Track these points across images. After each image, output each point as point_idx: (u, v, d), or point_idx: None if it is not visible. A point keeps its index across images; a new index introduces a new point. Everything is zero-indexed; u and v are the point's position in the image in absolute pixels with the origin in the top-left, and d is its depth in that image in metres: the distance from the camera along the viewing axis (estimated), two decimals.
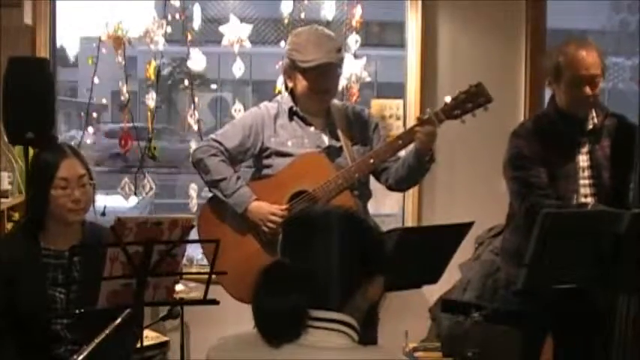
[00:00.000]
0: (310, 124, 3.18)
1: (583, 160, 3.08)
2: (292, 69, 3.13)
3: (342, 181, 3.05)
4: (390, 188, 3.27)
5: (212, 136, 3.23)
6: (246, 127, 3.18)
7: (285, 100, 3.22)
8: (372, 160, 3.07)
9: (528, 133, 3.12)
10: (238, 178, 3.16)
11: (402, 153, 3.16)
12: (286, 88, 3.24)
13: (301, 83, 3.11)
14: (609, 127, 3.12)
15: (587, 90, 3.00)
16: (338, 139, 3.18)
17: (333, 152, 3.15)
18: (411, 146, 3.07)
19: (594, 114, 3.11)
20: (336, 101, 3.28)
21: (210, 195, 3.27)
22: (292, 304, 1.55)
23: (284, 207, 3.09)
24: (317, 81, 3.08)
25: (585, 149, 3.09)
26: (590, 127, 3.10)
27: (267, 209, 3.09)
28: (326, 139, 3.18)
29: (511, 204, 3.20)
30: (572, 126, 3.09)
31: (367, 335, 1.64)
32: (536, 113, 3.35)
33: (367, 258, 1.63)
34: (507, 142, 3.17)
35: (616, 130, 3.11)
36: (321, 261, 1.58)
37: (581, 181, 3.07)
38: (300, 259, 1.59)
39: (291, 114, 3.18)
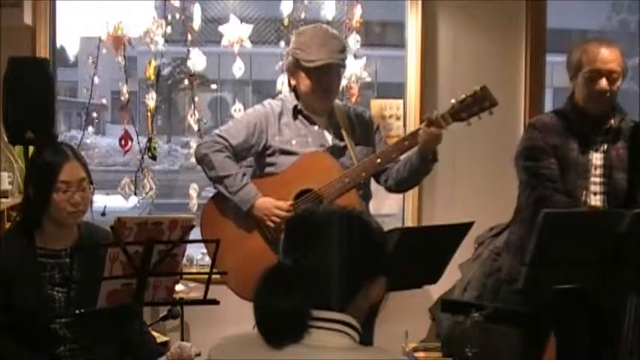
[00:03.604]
0: (314, 123, 3.19)
1: (596, 158, 3.07)
2: (296, 67, 3.13)
3: (348, 180, 3.06)
4: (390, 190, 3.28)
5: (216, 131, 3.22)
6: (251, 124, 3.17)
7: (289, 98, 3.22)
8: (378, 160, 3.09)
9: (543, 126, 3.13)
10: (244, 175, 3.15)
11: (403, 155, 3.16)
12: (289, 85, 3.25)
13: (304, 82, 3.12)
14: (626, 130, 3.11)
15: (603, 83, 3.00)
16: (341, 139, 3.19)
17: (336, 151, 3.16)
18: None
19: (612, 115, 3.10)
20: (337, 101, 3.29)
21: (211, 193, 3.27)
22: (293, 307, 1.54)
23: (290, 203, 3.09)
24: (320, 81, 3.10)
25: (600, 148, 3.08)
26: (607, 127, 3.09)
27: (273, 204, 3.08)
28: (329, 139, 3.18)
29: (519, 197, 3.20)
30: (588, 123, 3.09)
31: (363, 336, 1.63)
32: (555, 108, 3.37)
33: (370, 258, 1.62)
34: (523, 134, 3.17)
35: (632, 134, 3.11)
36: (323, 260, 1.57)
37: (592, 179, 3.07)
38: (302, 259, 1.58)
39: (296, 113, 3.18)
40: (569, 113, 3.13)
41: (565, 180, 3.05)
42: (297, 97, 3.19)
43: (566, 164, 3.05)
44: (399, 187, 3.25)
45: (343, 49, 3.16)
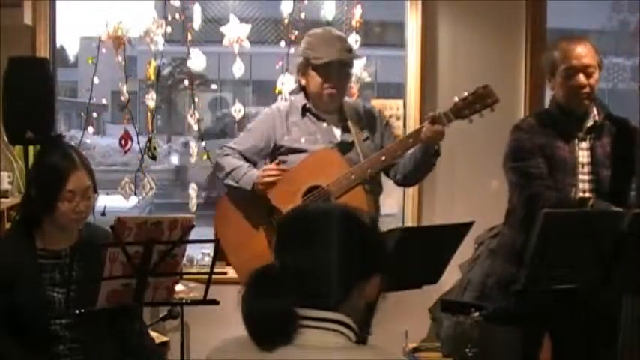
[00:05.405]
0: (323, 120, 3.29)
1: (583, 155, 3.11)
2: (305, 67, 3.25)
3: (354, 177, 3.14)
4: (398, 183, 3.38)
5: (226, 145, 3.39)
6: (257, 130, 3.32)
7: (298, 98, 3.34)
8: (383, 158, 3.16)
9: (529, 127, 3.16)
10: (249, 166, 3.28)
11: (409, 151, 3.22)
12: (299, 85, 3.36)
13: (313, 80, 3.23)
14: (609, 126, 3.15)
15: (581, 78, 3.04)
16: (350, 135, 3.26)
17: (344, 147, 3.25)
18: None
19: (595, 111, 3.13)
20: (347, 98, 3.41)
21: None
22: (279, 307, 1.53)
23: (301, 196, 3.15)
24: (328, 77, 3.20)
25: (585, 145, 3.11)
26: (591, 123, 3.12)
27: (263, 168, 3.24)
28: (338, 135, 3.28)
29: (510, 199, 3.22)
30: (572, 121, 3.12)
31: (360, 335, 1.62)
32: (538, 110, 3.39)
33: (364, 256, 1.62)
34: (508, 136, 3.20)
35: (616, 130, 3.14)
36: (314, 259, 1.56)
37: (580, 177, 3.09)
38: (293, 257, 1.58)
39: (304, 111, 3.29)
40: (553, 112, 3.16)
41: (554, 179, 3.07)
42: (307, 97, 3.30)
43: (554, 163, 3.08)
44: (406, 180, 3.34)
45: (351, 50, 3.31)
